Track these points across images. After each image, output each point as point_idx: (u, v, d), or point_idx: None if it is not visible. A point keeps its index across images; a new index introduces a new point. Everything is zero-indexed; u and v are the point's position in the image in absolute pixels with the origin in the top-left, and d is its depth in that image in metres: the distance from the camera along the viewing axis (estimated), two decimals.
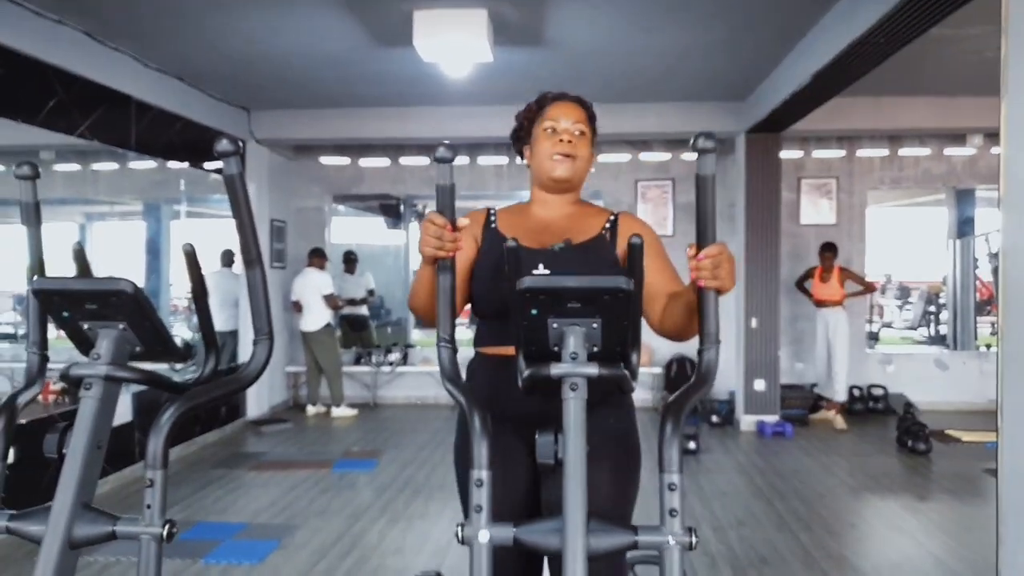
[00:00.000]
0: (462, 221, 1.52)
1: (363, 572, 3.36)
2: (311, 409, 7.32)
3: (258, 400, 7.05)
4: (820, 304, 6.70)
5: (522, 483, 1.73)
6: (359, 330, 8.53)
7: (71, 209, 6.94)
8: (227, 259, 7.28)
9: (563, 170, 1.79)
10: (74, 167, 5.99)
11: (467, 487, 1.76)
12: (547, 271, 1.70)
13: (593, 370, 1.29)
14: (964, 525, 4.03)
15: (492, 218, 1.88)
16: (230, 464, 5.39)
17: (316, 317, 7.14)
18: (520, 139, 1.92)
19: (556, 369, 1.29)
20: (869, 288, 6.89)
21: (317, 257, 7.30)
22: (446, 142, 1.47)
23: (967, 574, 3.34)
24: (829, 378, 6.68)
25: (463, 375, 1.53)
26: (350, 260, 8.31)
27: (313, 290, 7.15)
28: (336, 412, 7.23)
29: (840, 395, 6.63)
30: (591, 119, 1.86)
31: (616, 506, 1.67)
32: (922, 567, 3.45)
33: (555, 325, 1.30)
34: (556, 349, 1.32)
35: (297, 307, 7.23)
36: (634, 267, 1.37)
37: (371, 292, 8.98)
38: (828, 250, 6.64)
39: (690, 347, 7.63)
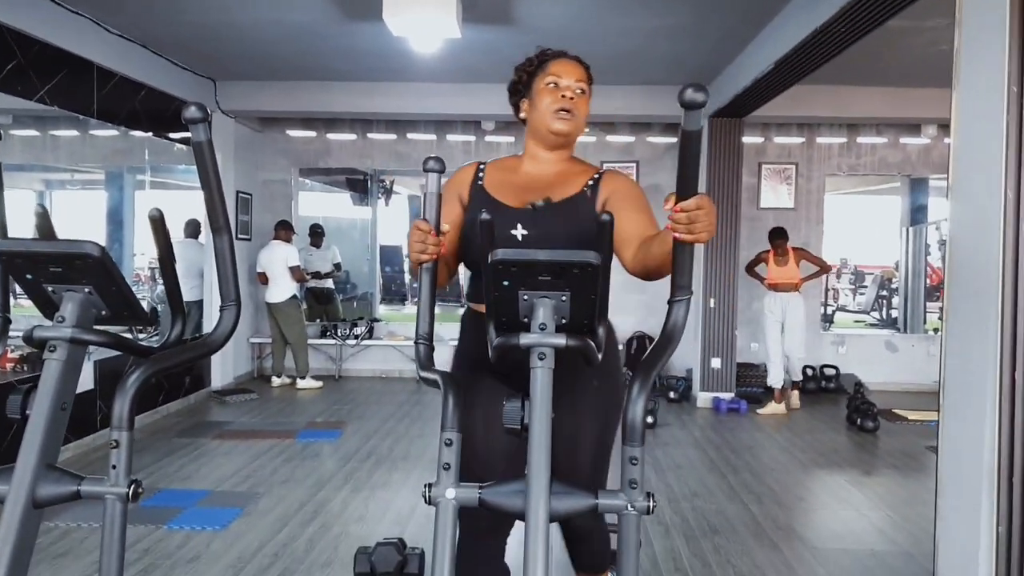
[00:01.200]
0: (444, 226, 1.58)
1: (325, 539, 3.42)
2: (276, 380, 7.32)
3: (222, 370, 7.04)
4: (774, 288, 6.51)
5: (503, 446, 1.77)
6: (325, 303, 8.52)
7: (30, 176, 6.79)
8: (192, 229, 7.21)
9: (564, 125, 1.82)
10: (33, 133, 5.86)
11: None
12: (525, 231, 1.75)
13: (560, 340, 1.34)
14: (905, 499, 4.21)
15: (480, 175, 1.89)
16: (194, 433, 5.40)
17: (282, 289, 7.12)
18: (518, 92, 1.93)
19: (525, 339, 1.35)
20: (825, 268, 6.83)
21: (284, 229, 7.28)
22: (434, 156, 1.55)
23: (906, 544, 3.50)
24: (778, 364, 6.44)
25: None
26: (316, 233, 8.28)
27: (279, 262, 7.13)
28: (301, 383, 7.25)
29: (795, 374, 6.66)
30: (590, 80, 1.89)
31: (596, 471, 1.74)
32: (864, 537, 3.61)
33: (525, 297, 1.35)
34: (526, 320, 1.37)
35: (262, 279, 7.20)
36: (602, 243, 1.40)
37: (337, 266, 8.96)
38: (780, 236, 6.46)
39: (651, 326, 7.75)
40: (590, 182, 1.84)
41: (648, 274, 1.65)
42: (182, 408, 6.26)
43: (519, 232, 1.75)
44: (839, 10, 3.77)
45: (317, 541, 3.40)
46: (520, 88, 1.92)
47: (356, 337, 7.83)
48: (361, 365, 7.94)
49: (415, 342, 1.57)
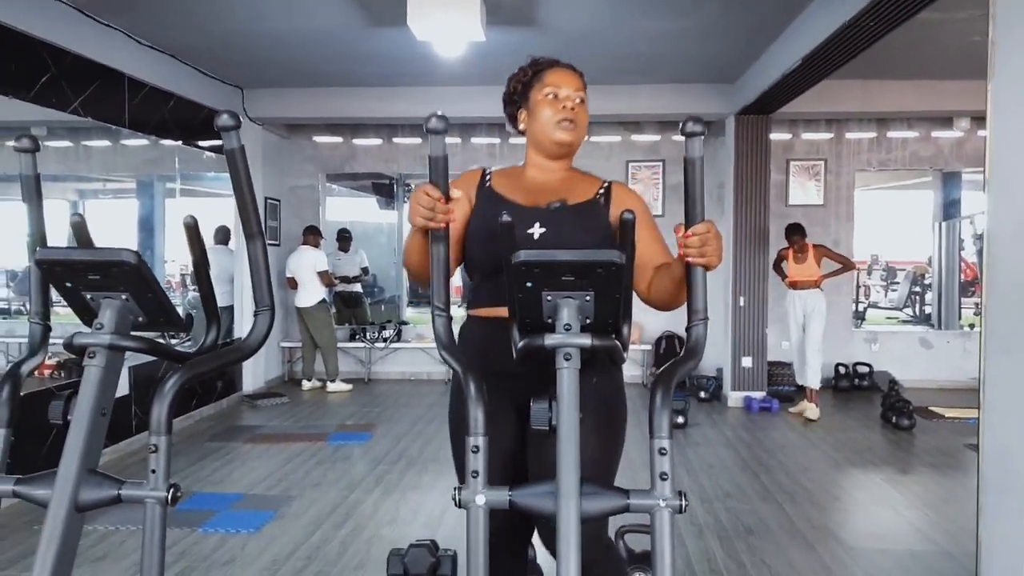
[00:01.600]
0: (454, 192, 1.54)
1: (358, 542, 3.44)
2: (307, 384, 7.39)
3: (254, 375, 7.12)
4: (794, 286, 6.29)
5: (507, 445, 1.77)
6: (353, 307, 8.58)
7: (63, 186, 6.93)
8: (222, 236, 7.30)
9: (567, 135, 1.81)
10: (66, 144, 5.98)
11: (462, 453, 1.83)
12: (543, 229, 1.74)
13: (586, 340, 1.33)
14: (944, 498, 4.13)
15: (487, 178, 1.89)
16: (226, 437, 5.47)
17: (311, 293, 7.19)
18: (514, 103, 1.92)
19: (550, 340, 1.34)
20: (849, 266, 6.48)
21: (312, 235, 7.35)
22: (438, 112, 1.44)
23: (946, 544, 3.44)
24: (803, 364, 6.25)
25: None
26: (344, 238, 8.35)
27: (308, 267, 7.20)
28: (332, 387, 7.30)
29: (814, 382, 6.17)
30: (585, 87, 1.89)
31: (598, 467, 1.72)
32: (903, 538, 3.55)
33: (549, 298, 1.34)
34: (550, 321, 1.36)
35: (292, 283, 7.28)
36: (626, 241, 1.40)
37: (365, 270, 9.02)
38: (796, 232, 6.28)
39: (678, 324, 7.72)
40: (601, 190, 1.85)
41: (661, 305, 1.68)
42: (214, 412, 6.34)
43: (536, 231, 1.74)
44: (869, 3, 3.72)
45: (350, 543, 3.42)
46: (516, 99, 1.91)
47: (384, 340, 7.88)
48: (390, 368, 7.98)
49: (432, 314, 1.50)
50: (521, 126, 1.91)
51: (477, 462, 1.36)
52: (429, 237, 1.51)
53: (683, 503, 1.30)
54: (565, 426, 1.32)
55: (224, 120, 1.41)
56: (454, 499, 1.35)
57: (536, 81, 1.86)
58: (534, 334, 1.37)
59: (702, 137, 1.35)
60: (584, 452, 1.75)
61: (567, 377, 1.34)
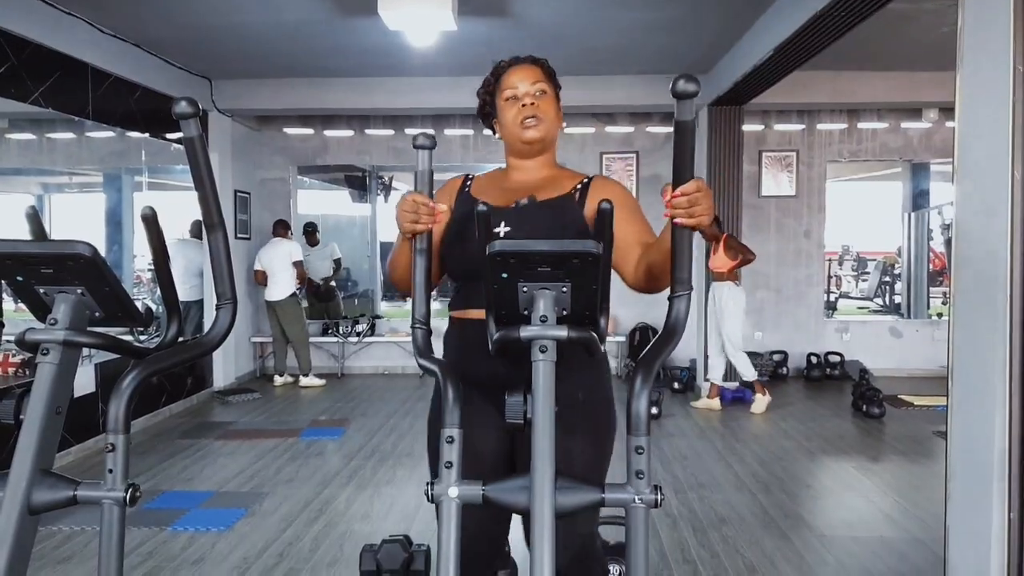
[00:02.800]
0: (440, 206, 1.54)
1: (331, 538, 3.40)
2: (279, 379, 7.31)
3: (225, 370, 7.03)
4: (715, 277, 6.02)
5: (492, 445, 1.75)
6: (326, 300, 8.51)
7: (27, 179, 6.78)
8: (196, 229, 7.18)
9: (533, 132, 1.77)
10: (29, 136, 5.84)
11: (438, 452, 1.81)
12: (508, 228, 1.71)
13: (562, 332, 1.31)
14: (914, 484, 4.19)
15: (467, 184, 1.88)
16: (197, 434, 5.38)
17: (282, 287, 7.10)
18: (487, 115, 1.90)
19: (526, 332, 1.31)
20: (747, 257, 5.89)
21: (282, 228, 7.26)
22: (427, 132, 1.51)
23: (915, 530, 3.48)
24: (708, 357, 6.16)
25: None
26: (309, 232, 8.23)
27: (282, 258, 7.10)
28: (304, 381, 7.23)
29: (714, 377, 6.12)
30: (550, 76, 1.84)
31: (590, 471, 1.70)
32: (873, 525, 3.59)
33: (525, 289, 1.32)
34: (526, 312, 1.33)
35: (260, 277, 7.18)
36: (603, 231, 1.37)
37: (338, 263, 8.94)
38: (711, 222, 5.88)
39: (653, 316, 7.75)
40: (579, 186, 1.80)
41: (651, 283, 1.61)
42: (185, 409, 6.24)
43: (501, 230, 1.71)
44: None
45: (322, 540, 3.38)
46: (488, 110, 1.89)
47: (358, 334, 7.81)
48: (363, 362, 7.92)
49: (411, 326, 1.53)
50: (497, 136, 1.89)
51: (452, 452, 1.34)
52: (413, 248, 1.51)
53: (658, 498, 1.29)
54: (540, 419, 1.29)
55: (182, 107, 1.36)
56: (426, 494, 1.33)
57: (498, 87, 1.83)
58: (510, 326, 1.34)
59: (694, 99, 1.26)
60: (575, 461, 1.74)
61: (543, 369, 1.31)
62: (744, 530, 3.48)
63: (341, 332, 7.80)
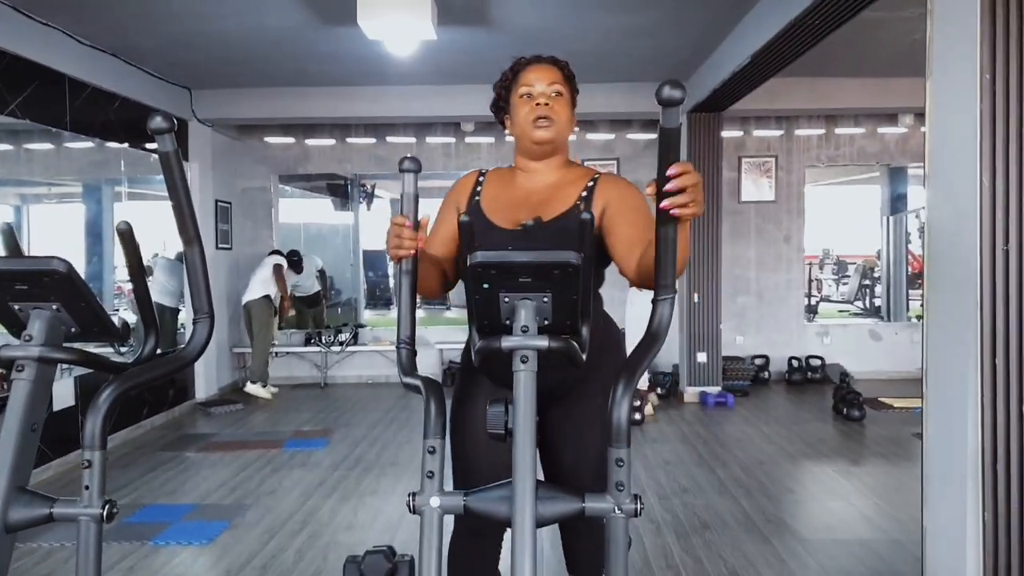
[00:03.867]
0: (422, 234, 1.57)
1: (314, 549, 3.39)
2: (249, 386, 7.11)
3: (206, 381, 6.98)
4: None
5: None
6: (313, 306, 8.46)
7: (4, 191, 6.71)
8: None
9: (544, 132, 1.76)
10: (6, 147, 5.78)
11: (461, 456, 1.82)
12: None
13: (543, 342, 1.32)
14: (893, 487, 4.23)
15: (479, 187, 1.86)
16: (178, 446, 5.34)
17: (258, 288, 7.00)
18: (500, 109, 1.89)
19: (507, 342, 1.32)
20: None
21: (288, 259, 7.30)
22: (410, 156, 1.55)
23: (896, 532, 3.52)
24: None
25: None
26: (295, 262, 7.61)
27: (268, 264, 7.05)
28: (250, 388, 6.97)
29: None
30: (568, 79, 1.83)
31: (603, 463, 1.70)
32: (854, 527, 3.62)
33: (506, 299, 1.33)
34: (508, 323, 1.35)
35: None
36: (583, 242, 1.37)
37: (322, 272, 8.93)
38: None
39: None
40: (584, 193, 1.78)
41: (652, 280, 1.61)
42: (166, 421, 6.19)
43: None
44: (812, 2, 3.78)
45: (306, 551, 3.37)
46: (501, 104, 1.88)
47: (341, 344, 7.78)
48: (347, 372, 7.89)
49: (396, 346, 1.56)
50: (507, 132, 1.88)
51: (433, 463, 1.36)
52: (399, 270, 1.55)
53: (638, 507, 1.31)
54: (521, 429, 1.30)
55: (157, 123, 1.37)
56: (408, 505, 1.34)
57: (514, 83, 1.82)
58: (492, 336, 1.36)
59: (680, 106, 1.26)
60: (586, 461, 1.75)
61: (523, 380, 1.32)
62: (727, 535, 3.51)
63: (324, 342, 7.77)
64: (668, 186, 1.28)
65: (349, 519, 3.78)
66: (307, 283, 8.41)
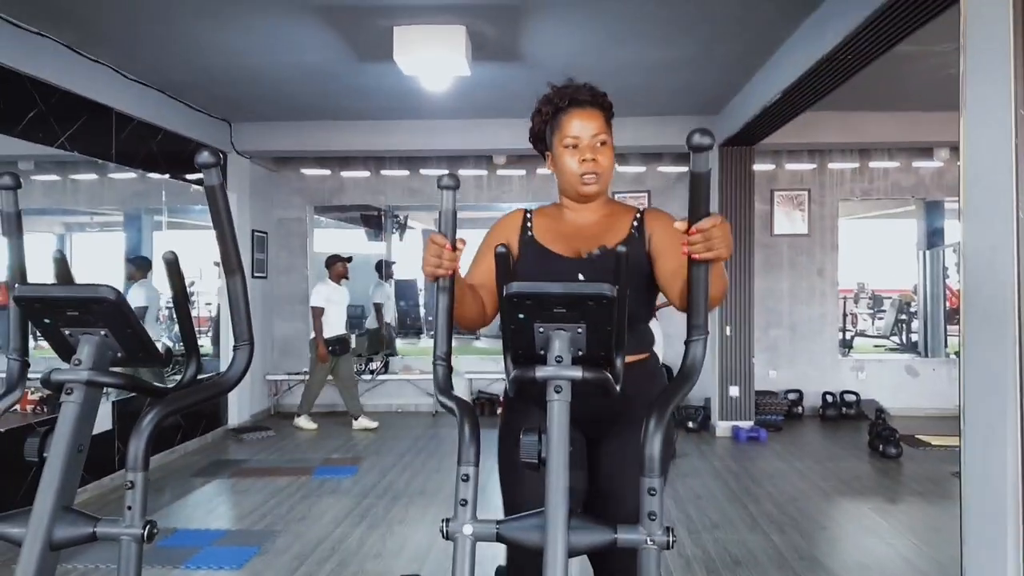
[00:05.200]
0: (460, 246, 1.55)
1: None
2: (355, 424, 6.98)
3: (239, 408, 7.06)
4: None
5: (580, 485, 1.78)
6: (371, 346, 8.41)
7: (50, 220, 6.92)
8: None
9: (592, 188, 1.81)
10: (53, 178, 5.98)
11: (509, 488, 1.83)
12: (583, 279, 1.76)
13: (577, 373, 1.33)
14: (932, 526, 4.13)
15: (528, 224, 1.89)
16: (210, 472, 5.41)
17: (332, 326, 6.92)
18: (539, 140, 1.90)
19: (541, 372, 1.34)
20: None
21: (340, 265, 7.08)
22: (448, 172, 1.53)
23: (933, 573, 3.43)
24: None
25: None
26: (333, 265, 7.25)
27: (341, 299, 7.01)
28: (296, 420, 6.99)
29: None
30: (609, 120, 1.84)
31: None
32: (890, 567, 3.54)
33: (541, 330, 1.35)
34: (542, 352, 1.36)
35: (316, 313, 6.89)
36: (619, 274, 1.38)
37: (377, 307, 9.01)
38: None
39: (668, 357, 7.72)
40: (635, 223, 1.83)
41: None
42: (199, 447, 6.27)
43: (581, 281, 1.75)
44: (844, 38, 3.80)
45: None
46: (540, 136, 1.89)
47: (372, 372, 7.83)
48: (377, 400, 7.92)
49: (433, 362, 1.55)
50: (549, 168, 1.90)
51: (467, 491, 1.36)
52: (436, 288, 1.54)
53: (671, 539, 1.30)
54: (554, 458, 1.32)
55: (204, 158, 1.43)
56: (441, 531, 1.35)
57: (555, 125, 1.82)
58: (526, 366, 1.37)
59: (709, 151, 1.31)
60: (628, 489, 1.75)
61: (557, 409, 1.34)
62: (759, 572, 3.44)
63: (355, 370, 7.82)
64: (694, 236, 1.34)
65: (378, 547, 3.79)
66: (389, 303, 8.26)
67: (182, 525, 4.17)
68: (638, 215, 1.85)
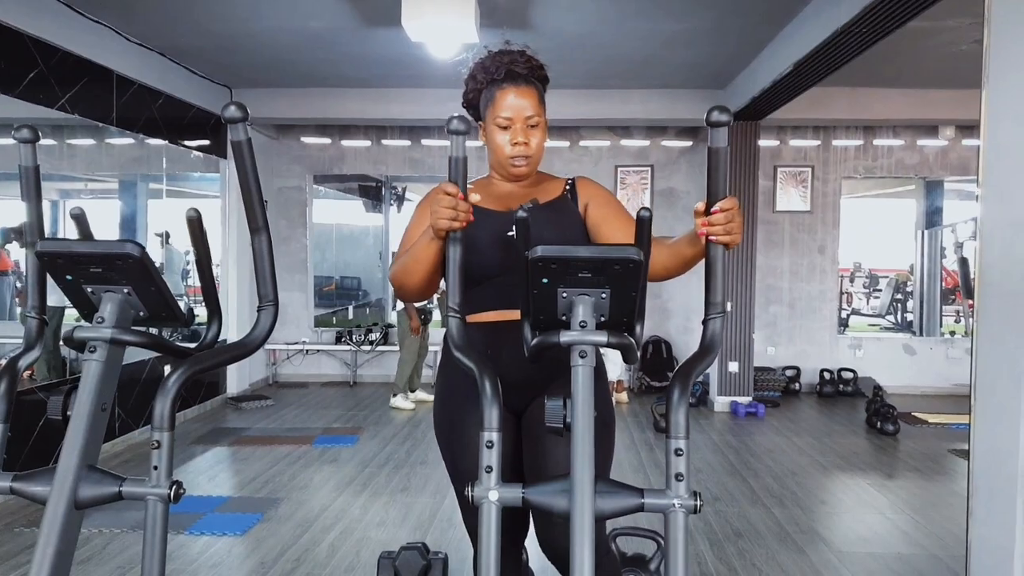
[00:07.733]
0: (473, 197, 1.50)
1: (347, 544, 3.41)
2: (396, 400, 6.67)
3: (238, 377, 7.05)
4: None
5: (507, 450, 1.77)
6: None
7: (46, 185, 6.84)
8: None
9: (522, 170, 1.80)
10: (50, 142, 5.90)
11: (451, 451, 1.80)
12: (512, 233, 1.73)
13: (602, 338, 1.32)
14: (930, 502, 4.16)
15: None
16: (211, 440, 5.40)
17: None
18: (472, 107, 1.86)
19: (566, 336, 1.32)
20: None
21: None
22: (458, 115, 1.44)
23: (932, 547, 3.46)
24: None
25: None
26: None
27: None
28: (392, 401, 6.64)
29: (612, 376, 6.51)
30: (542, 99, 1.80)
31: (603, 471, 1.73)
32: (890, 541, 3.57)
33: (564, 294, 1.33)
34: (564, 318, 1.35)
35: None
36: (643, 239, 1.37)
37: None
38: None
39: (665, 330, 7.72)
40: (567, 186, 1.86)
41: (667, 274, 1.67)
42: (198, 415, 6.27)
43: (512, 234, 1.74)
44: (861, 9, 3.75)
45: (339, 546, 3.39)
46: (474, 104, 1.85)
47: (370, 343, 7.83)
48: (375, 371, 7.93)
49: (446, 315, 1.49)
50: (481, 139, 1.86)
51: (491, 457, 1.33)
52: (447, 241, 1.49)
53: (698, 503, 1.30)
54: (580, 424, 1.31)
55: (232, 112, 1.39)
56: (467, 495, 1.33)
57: (490, 98, 1.77)
58: (548, 331, 1.35)
59: (727, 127, 1.33)
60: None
61: (582, 374, 1.33)
62: (760, 544, 3.47)
63: (354, 341, 7.82)
64: (714, 214, 1.37)
65: (381, 516, 3.80)
66: None
67: (184, 491, 4.17)
68: (570, 180, 1.88)
